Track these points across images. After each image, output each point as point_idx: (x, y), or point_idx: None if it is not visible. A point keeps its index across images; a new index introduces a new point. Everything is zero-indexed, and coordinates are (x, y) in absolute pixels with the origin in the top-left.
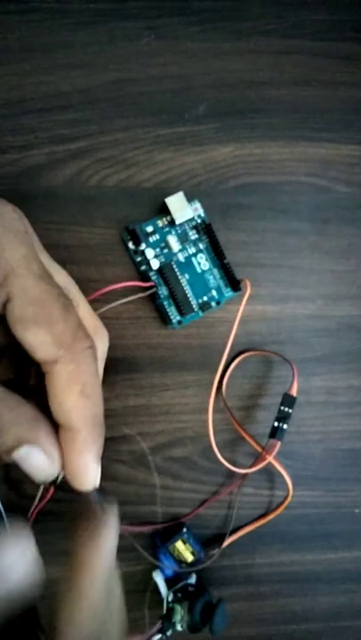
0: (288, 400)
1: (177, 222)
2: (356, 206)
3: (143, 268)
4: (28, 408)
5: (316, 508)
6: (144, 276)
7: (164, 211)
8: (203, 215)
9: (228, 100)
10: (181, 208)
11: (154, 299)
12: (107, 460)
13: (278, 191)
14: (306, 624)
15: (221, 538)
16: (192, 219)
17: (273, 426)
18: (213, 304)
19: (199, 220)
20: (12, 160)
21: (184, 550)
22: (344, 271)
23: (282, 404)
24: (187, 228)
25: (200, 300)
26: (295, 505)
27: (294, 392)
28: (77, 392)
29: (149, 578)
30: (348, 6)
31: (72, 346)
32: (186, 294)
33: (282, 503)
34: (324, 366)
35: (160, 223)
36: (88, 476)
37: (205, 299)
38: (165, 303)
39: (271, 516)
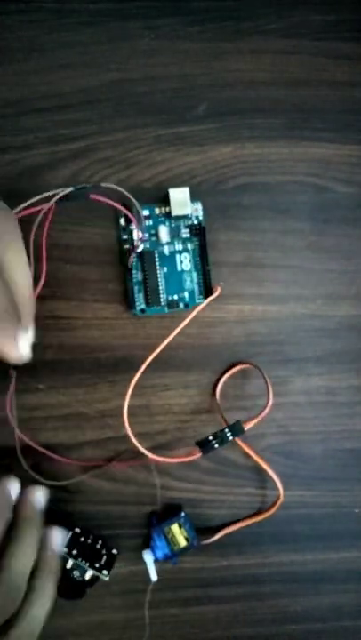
0: (236, 428)
1: (173, 214)
2: (356, 206)
3: (126, 246)
4: None
5: (316, 507)
6: (124, 256)
7: (166, 201)
8: (200, 217)
9: (228, 100)
10: (182, 203)
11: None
12: (107, 460)
13: (278, 191)
14: (306, 624)
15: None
16: (189, 217)
17: (207, 438)
18: (182, 305)
19: (195, 221)
20: (12, 160)
21: (179, 534)
22: (344, 271)
23: (229, 427)
24: (181, 224)
25: (170, 297)
26: (296, 505)
27: (249, 425)
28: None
29: (148, 578)
30: (348, 6)
31: None
32: (158, 286)
33: (275, 503)
34: (324, 366)
35: (157, 211)
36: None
37: (176, 297)
38: (135, 288)
39: (265, 515)
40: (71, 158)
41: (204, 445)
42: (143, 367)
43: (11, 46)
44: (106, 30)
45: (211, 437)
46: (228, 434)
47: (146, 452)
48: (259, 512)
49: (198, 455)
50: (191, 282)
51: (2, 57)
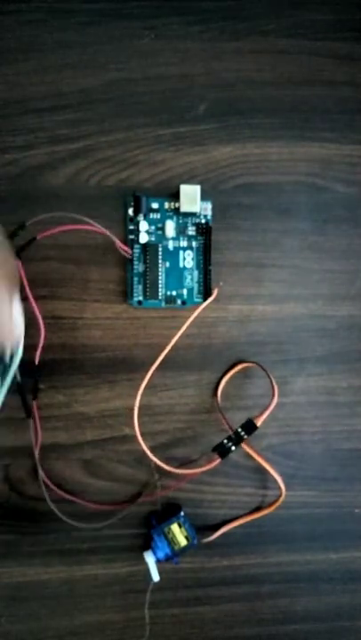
0: (249, 427)
1: (181, 210)
2: (356, 206)
3: (131, 237)
4: None
5: (316, 507)
6: (128, 246)
7: (176, 197)
8: (209, 217)
9: (228, 99)
10: (192, 200)
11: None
12: (107, 460)
13: (278, 191)
14: (306, 624)
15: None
16: (197, 215)
17: (222, 442)
18: (179, 302)
19: (203, 220)
20: (12, 160)
21: (179, 534)
22: (344, 271)
23: (242, 427)
24: (189, 221)
25: (168, 293)
26: (296, 505)
27: (260, 421)
28: None
29: (149, 578)
30: (348, 6)
31: None
32: (158, 280)
33: (276, 500)
34: (324, 366)
35: (167, 205)
36: None
37: (174, 293)
38: (135, 279)
39: (266, 511)
40: (71, 158)
41: (221, 450)
42: (151, 371)
43: (11, 46)
44: (106, 30)
45: (225, 441)
46: (243, 433)
47: (172, 470)
48: (259, 510)
49: (218, 461)
50: (192, 280)
51: (2, 57)
